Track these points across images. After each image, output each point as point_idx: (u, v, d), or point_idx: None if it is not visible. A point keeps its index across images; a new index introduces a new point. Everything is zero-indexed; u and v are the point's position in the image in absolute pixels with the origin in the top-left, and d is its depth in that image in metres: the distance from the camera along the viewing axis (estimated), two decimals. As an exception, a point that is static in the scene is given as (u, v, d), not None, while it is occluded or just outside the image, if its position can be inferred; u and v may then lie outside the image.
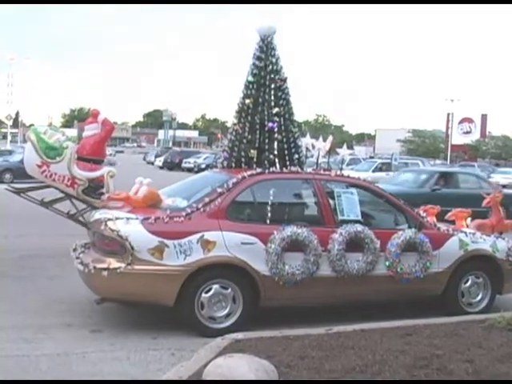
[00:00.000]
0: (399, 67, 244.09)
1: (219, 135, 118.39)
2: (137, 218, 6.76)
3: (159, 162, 56.56)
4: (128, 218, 6.76)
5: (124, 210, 7.19)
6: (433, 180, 18.83)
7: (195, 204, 7.01)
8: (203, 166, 40.80)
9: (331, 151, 9.02)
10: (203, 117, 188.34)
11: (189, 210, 6.90)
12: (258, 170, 7.77)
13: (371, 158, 55.97)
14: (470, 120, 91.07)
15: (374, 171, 33.20)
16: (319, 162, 8.70)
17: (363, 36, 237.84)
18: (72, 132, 74.93)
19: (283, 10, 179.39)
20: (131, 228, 6.64)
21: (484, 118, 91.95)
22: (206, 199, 7.03)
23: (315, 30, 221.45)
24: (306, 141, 9.00)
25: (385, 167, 34.82)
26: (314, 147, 8.88)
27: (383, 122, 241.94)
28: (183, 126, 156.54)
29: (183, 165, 51.16)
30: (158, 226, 6.68)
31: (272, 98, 8.76)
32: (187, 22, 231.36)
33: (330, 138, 8.97)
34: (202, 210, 6.92)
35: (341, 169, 8.66)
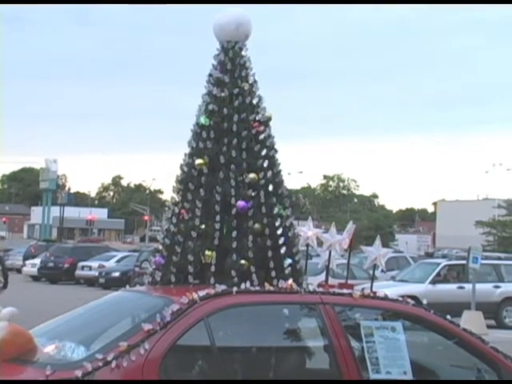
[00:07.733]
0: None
1: (146, 217, 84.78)
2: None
3: (32, 267, 37.88)
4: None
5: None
6: None
7: (101, 354, 4.83)
8: (116, 276, 30.32)
9: (352, 247, 6.43)
10: (116, 182, 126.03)
11: (89, 367, 4.68)
12: (220, 287, 5.37)
13: (429, 255, 43.73)
14: None
15: (433, 282, 20.39)
16: (331, 267, 6.11)
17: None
18: None
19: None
20: None
21: None
22: (122, 344, 4.85)
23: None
24: (306, 232, 6.30)
25: (455, 274, 21.35)
26: (321, 243, 6.17)
27: (446, 190, 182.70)
28: (79, 199, 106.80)
29: (78, 272, 34.62)
30: None
31: (244, 155, 5.91)
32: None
33: (351, 225, 6.31)
34: (113, 364, 4.73)
35: (371, 281, 6.15)
